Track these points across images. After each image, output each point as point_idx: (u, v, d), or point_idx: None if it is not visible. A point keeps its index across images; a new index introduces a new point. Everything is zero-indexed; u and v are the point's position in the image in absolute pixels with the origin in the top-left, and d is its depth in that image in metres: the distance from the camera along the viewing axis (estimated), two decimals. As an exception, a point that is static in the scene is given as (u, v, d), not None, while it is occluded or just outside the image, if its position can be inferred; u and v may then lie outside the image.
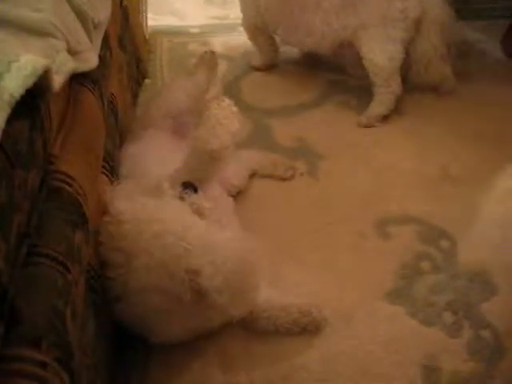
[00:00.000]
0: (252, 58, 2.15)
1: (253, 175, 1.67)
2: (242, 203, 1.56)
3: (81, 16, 1.13)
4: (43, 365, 0.69)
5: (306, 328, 1.26)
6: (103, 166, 1.28)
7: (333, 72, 2.09)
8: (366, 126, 1.86)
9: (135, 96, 1.92)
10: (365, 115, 1.87)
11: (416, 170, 1.70)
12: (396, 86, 1.84)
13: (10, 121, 0.74)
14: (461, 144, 1.77)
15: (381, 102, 1.86)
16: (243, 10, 2.03)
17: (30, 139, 0.83)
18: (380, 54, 1.80)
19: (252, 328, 1.26)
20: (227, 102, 1.28)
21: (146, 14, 2.23)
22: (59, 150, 0.98)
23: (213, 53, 1.83)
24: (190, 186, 1.20)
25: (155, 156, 1.45)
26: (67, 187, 0.94)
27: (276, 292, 1.29)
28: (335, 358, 1.22)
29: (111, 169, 1.33)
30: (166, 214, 1.10)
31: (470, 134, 1.81)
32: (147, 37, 2.25)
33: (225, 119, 1.23)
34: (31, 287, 0.76)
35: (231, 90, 2.02)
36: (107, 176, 1.30)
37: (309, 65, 2.16)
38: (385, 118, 1.88)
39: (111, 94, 1.45)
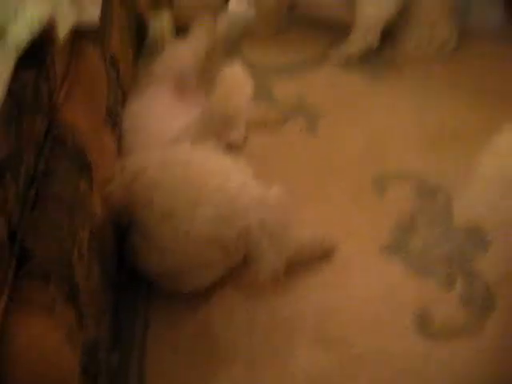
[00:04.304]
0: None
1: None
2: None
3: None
4: (52, 297, 0.72)
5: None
6: (106, 120, 1.31)
7: (333, 31, 2.09)
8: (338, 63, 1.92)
9: (136, 56, 1.92)
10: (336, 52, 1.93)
11: (415, 127, 1.70)
12: (372, 39, 1.89)
13: (17, 69, 0.76)
14: (461, 102, 1.77)
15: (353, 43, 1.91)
16: None
17: (36, 86, 0.85)
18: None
19: None
20: (239, 66, 1.29)
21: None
22: (64, 99, 1.01)
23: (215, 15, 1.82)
24: None
25: (156, 112, 1.47)
26: (71, 136, 0.97)
27: None
28: (330, 305, 1.26)
29: (114, 122, 1.36)
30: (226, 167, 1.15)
31: (470, 92, 1.80)
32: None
33: (238, 85, 1.24)
34: (40, 228, 0.79)
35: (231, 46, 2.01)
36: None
37: (310, 24, 2.15)
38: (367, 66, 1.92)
39: (112, 50, 1.46)
